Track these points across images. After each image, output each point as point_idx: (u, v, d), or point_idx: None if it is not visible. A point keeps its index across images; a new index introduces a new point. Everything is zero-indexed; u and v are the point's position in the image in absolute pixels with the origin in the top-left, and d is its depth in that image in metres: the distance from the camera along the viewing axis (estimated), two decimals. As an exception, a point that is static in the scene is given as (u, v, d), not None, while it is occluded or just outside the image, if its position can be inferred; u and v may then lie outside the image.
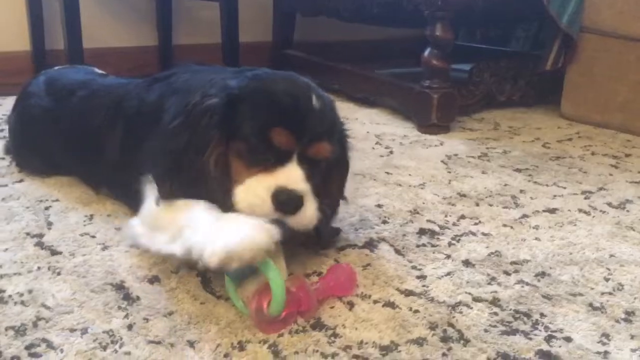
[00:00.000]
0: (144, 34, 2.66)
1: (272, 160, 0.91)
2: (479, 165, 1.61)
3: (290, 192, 0.89)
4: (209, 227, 0.86)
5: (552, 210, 1.31)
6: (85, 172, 1.31)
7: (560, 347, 0.84)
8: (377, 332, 0.85)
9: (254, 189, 0.89)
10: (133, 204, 1.08)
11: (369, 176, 1.49)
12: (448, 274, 1.02)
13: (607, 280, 1.02)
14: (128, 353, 0.79)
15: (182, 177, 0.94)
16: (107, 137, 1.18)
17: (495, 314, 0.91)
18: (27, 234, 1.11)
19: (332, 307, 0.91)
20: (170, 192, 0.94)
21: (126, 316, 0.87)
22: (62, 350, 0.79)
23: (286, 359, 0.79)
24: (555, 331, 0.87)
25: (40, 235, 1.10)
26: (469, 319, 0.89)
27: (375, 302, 0.93)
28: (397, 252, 1.10)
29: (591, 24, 2.01)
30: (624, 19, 1.94)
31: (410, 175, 1.52)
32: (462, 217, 1.26)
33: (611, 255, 1.11)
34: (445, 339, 0.84)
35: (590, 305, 0.94)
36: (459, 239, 1.16)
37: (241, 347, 0.81)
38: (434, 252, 1.10)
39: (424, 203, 1.33)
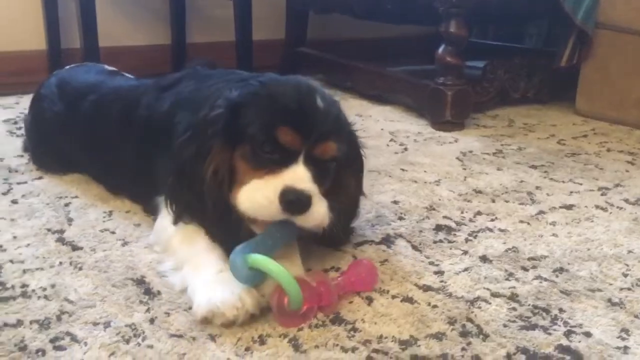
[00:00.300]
0: (157, 33, 2.67)
1: (279, 160, 0.90)
2: (494, 162, 1.61)
3: (298, 192, 0.87)
4: (203, 277, 0.89)
5: (569, 207, 1.31)
6: (101, 177, 1.32)
7: (579, 342, 0.84)
8: (396, 326, 0.86)
9: (261, 190, 0.89)
10: (150, 210, 1.12)
11: (384, 173, 1.49)
12: (465, 269, 1.03)
13: (625, 276, 1.02)
14: (151, 346, 0.80)
15: (185, 193, 0.96)
16: (121, 145, 1.20)
17: (514, 309, 0.91)
18: (48, 229, 1.12)
19: (350, 302, 0.91)
20: (177, 216, 0.98)
21: (147, 310, 0.88)
22: (86, 344, 0.80)
23: (307, 352, 0.79)
24: (574, 326, 0.87)
25: (61, 231, 1.12)
26: (487, 314, 0.90)
27: (393, 297, 0.93)
28: (414, 248, 1.10)
29: (606, 20, 2.00)
30: (640, 15, 1.93)
31: (425, 171, 1.52)
32: (479, 213, 1.26)
33: (629, 251, 1.11)
34: (464, 334, 0.84)
35: (609, 300, 0.94)
36: (476, 235, 1.16)
37: (262, 341, 0.81)
38: (451, 248, 1.10)
39: (439, 199, 1.33)
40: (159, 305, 0.89)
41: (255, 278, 0.85)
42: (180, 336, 0.82)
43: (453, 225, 1.20)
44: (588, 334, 0.85)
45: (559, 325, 0.87)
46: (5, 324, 0.83)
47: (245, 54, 2.47)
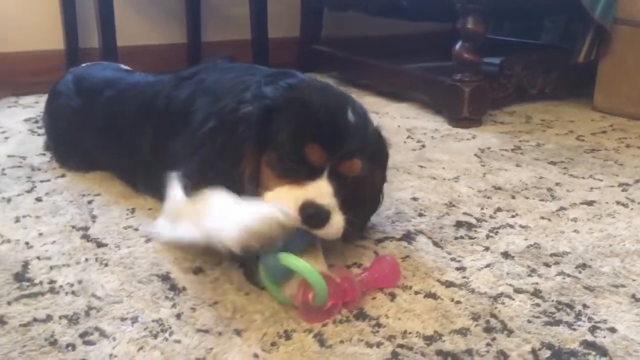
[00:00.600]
0: (173, 32, 2.69)
1: (303, 172, 0.91)
2: (512, 158, 1.60)
3: (317, 207, 0.89)
4: (226, 212, 0.86)
5: (590, 203, 1.30)
6: (121, 172, 1.33)
7: (604, 337, 0.83)
8: (420, 322, 0.86)
9: (283, 199, 0.89)
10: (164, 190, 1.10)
11: (402, 169, 1.50)
12: (488, 265, 1.03)
13: (649, 272, 1.02)
14: (178, 341, 0.81)
15: (212, 181, 0.94)
16: (138, 138, 1.20)
17: (538, 305, 0.91)
18: (73, 226, 1.14)
19: (374, 298, 0.92)
20: (195, 188, 0.95)
21: (174, 306, 0.89)
22: (114, 339, 0.81)
23: (332, 347, 0.80)
24: (599, 322, 0.87)
25: (86, 228, 1.13)
26: (511, 310, 0.90)
27: (416, 293, 0.94)
28: (435, 244, 1.11)
29: (625, 15, 1.99)
30: (659, 10, 1.91)
31: (443, 168, 1.52)
32: (499, 209, 1.26)
33: (652, 247, 1.10)
34: (488, 330, 0.85)
35: (633, 296, 0.94)
36: (497, 232, 1.16)
37: (287, 336, 0.82)
38: (472, 245, 1.10)
39: (459, 196, 1.33)
40: (184, 300, 0.90)
41: (286, 275, 0.86)
42: (207, 331, 0.83)
43: (473, 221, 1.20)
44: (613, 330, 0.85)
45: (584, 321, 0.87)
46: (35, 319, 0.85)
47: (261, 51, 2.48)
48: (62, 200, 1.26)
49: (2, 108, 2.01)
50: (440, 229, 1.16)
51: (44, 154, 1.54)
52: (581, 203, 1.30)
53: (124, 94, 1.29)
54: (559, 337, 0.83)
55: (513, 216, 1.23)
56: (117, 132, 1.27)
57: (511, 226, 1.18)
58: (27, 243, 1.07)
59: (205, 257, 1.02)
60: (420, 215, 1.23)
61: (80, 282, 0.95)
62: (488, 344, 0.81)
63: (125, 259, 1.02)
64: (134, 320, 0.85)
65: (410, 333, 0.83)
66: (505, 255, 1.07)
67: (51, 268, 0.99)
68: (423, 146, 1.71)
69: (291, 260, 0.84)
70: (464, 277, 0.99)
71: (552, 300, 0.92)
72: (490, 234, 1.14)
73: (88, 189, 1.32)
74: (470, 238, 1.13)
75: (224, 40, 2.75)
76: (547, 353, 0.80)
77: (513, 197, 1.33)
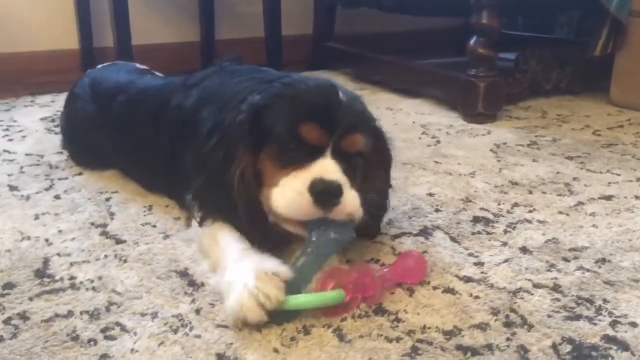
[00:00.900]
0: (187, 30, 2.70)
1: (305, 156, 0.90)
2: (529, 154, 1.59)
3: (327, 182, 0.87)
4: (228, 276, 0.86)
5: (608, 197, 1.29)
6: (135, 176, 1.34)
7: (626, 332, 0.83)
8: (439, 317, 0.86)
9: (290, 187, 0.88)
10: (185, 208, 1.12)
11: (417, 165, 1.49)
12: (506, 260, 1.02)
13: (670, 266, 1.01)
14: (198, 336, 0.81)
15: (214, 199, 0.96)
16: (152, 145, 1.21)
17: (557, 300, 0.91)
18: (92, 223, 1.15)
19: (392, 293, 0.92)
20: (203, 219, 0.98)
21: (193, 301, 0.89)
22: (135, 333, 0.81)
23: (352, 342, 0.80)
24: (619, 317, 0.86)
25: (104, 225, 1.14)
26: (530, 304, 0.89)
27: (434, 288, 0.93)
28: (453, 239, 1.10)
29: (641, 8, 1.97)
30: (677, 2, 1.89)
31: (459, 164, 1.51)
32: (516, 204, 1.26)
33: (672, 242, 1.09)
34: (508, 324, 0.84)
35: (654, 291, 0.93)
36: (514, 227, 1.15)
37: (306, 331, 0.82)
38: (489, 240, 1.10)
39: (475, 191, 1.33)
40: (203, 296, 0.91)
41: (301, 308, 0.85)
42: (226, 326, 0.83)
43: (490, 216, 1.20)
44: (634, 324, 0.84)
45: (604, 316, 0.87)
46: (57, 315, 0.85)
47: (274, 49, 2.49)
48: (80, 198, 1.27)
49: (19, 107, 2.03)
50: (457, 225, 1.16)
51: (61, 153, 1.55)
52: (599, 198, 1.29)
53: (135, 99, 1.31)
54: (579, 331, 0.83)
55: (530, 211, 1.22)
56: (130, 137, 1.28)
57: (529, 221, 1.18)
58: (46, 240, 1.08)
59: (223, 253, 1.02)
60: (437, 210, 1.23)
61: (100, 278, 0.95)
62: (508, 339, 0.81)
63: (144, 255, 1.03)
64: (154, 315, 0.86)
65: (429, 328, 0.83)
66: (524, 250, 1.06)
67: (71, 264, 0.99)
68: (438, 142, 1.70)
69: (293, 301, 0.82)
70: (482, 272, 0.98)
71: (572, 295, 0.92)
72: (508, 229, 1.14)
73: (105, 187, 1.33)
74: (488, 233, 1.13)
75: (237, 38, 2.76)
76: (568, 347, 0.80)
77: (530, 192, 1.32)
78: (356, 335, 0.82)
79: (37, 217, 1.17)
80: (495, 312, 0.87)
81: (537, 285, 0.94)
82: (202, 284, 0.94)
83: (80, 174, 1.41)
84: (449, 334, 0.82)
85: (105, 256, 1.02)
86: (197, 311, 0.87)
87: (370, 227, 1.04)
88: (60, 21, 2.45)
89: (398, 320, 0.85)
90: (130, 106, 1.30)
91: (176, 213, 1.19)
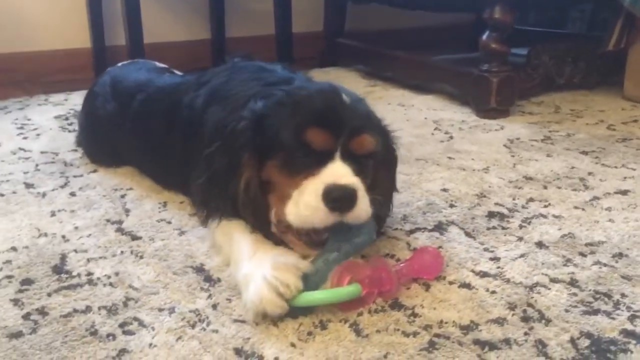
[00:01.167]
0: (197, 28, 2.71)
1: (314, 163, 0.88)
2: (543, 149, 1.58)
3: (341, 187, 0.85)
4: (244, 270, 0.87)
5: (624, 192, 1.28)
6: (152, 174, 1.35)
7: (645, 326, 0.82)
8: (456, 312, 0.86)
9: (304, 199, 0.86)
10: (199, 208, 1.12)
11: (431, 161, 1.49)
12: (522, 255, 1.02)
13: (688, 261, 1.00)
14: (216, 331, 0.81)
15: (215, 199, 0.97)
16: (167, 142, 1.22)
17: (575, 294, 0.90)
18: (107, 220, 1.15)
19: (408, 288, 0.91)
20: (207, 217, 1.00)
21: (209, 297, 0.90)
22: (153, 328, 0.82)
23: (369, 337, 0.80)
24: (637, 311, 0.86)
25: (120, 222, 1.15)
26: (548, 299, 0.89)
27: (450, 283, 0.93)
28: (468, 234, 1.10)
29: (656, 1, 1.94)
30: (692, -5, 1.87)
31: (473, 159, 1.51)
32: (531, 200, 1.25)
33: (690, 236, 1.08)
34: (525, 319, 0.84)
35: (673, 285, 0.92)
36: (530, 222, 1.15)
37: (323, 325, 0.82)
38: (505, 235, 1.10)
39: (490, 187, 1.32)
40: (219, 291, 0.91)
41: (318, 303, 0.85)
42: (243, 321, 0.83)
43: (505, 212, 1.19)
44: (653, 319, 0.84)
45: (622, 310, 0.86)
46: (75, 310, 0.86)
47: (285, 46, 2.48)
48: (96, 195, 1.28)
49: (32, 106, 2.04)
50: (472, 220, 1.16)
51: (75, 150, 1.56)
52: (615, 192, 1.28)
53: (152, 97, 1.32)
54: (597, 326, 0.83)
55: (546, 206, 1.22)
56: (147, 135, 1.29)
57: (544, 216, 1.17)
58: (63, 236, 1.09)
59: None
60: (451, 206, 1.22)
61: (117, 274, 0.96)
62: (526, 333, 0.81)
63: (160, 251, 1.03)
64: (171, 310, 0.86)
65: (446, 323, 0.83)
66: (540, 245, 1.05)
67: (88, 260, 1.00)
68: (451, 137, 1.69)
69: (310, 297, 0.82)
70: (498, 267, 0.98)
71: (589, 290, 0.91)
72: (523, 224, 1.13)
73: (120, 184, 1.33)
74: (503, 228, 1.12)
75: (247, 35, 2.76)
76: (587, 342, 0.79)
77: (545, 187, 1.32)
78: (373, 330, 0.82)
79: (53, 214, 1.18)
80: (512, 306, 0.87)
81: (554, 280, 0.94)
82: (219, 280, 0.94)
83: (95, 171, 1.42)
84: (466, 329, 0.82)
85: (122, 252, 1.03)
86: (214, 306, 0.87)
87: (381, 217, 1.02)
88: (72, 21, 2.46)
89: (415, 315, 0.85)
90: (148, 105, 1.31)
91: (190, 209, 1.19)
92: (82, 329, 0.82)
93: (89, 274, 0.96)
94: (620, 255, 1.02)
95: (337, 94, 0.94)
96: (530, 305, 0.87)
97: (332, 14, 2.74)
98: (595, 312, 0.86)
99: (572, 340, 0.79)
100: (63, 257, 1.01)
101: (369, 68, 2.54)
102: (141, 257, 1.01)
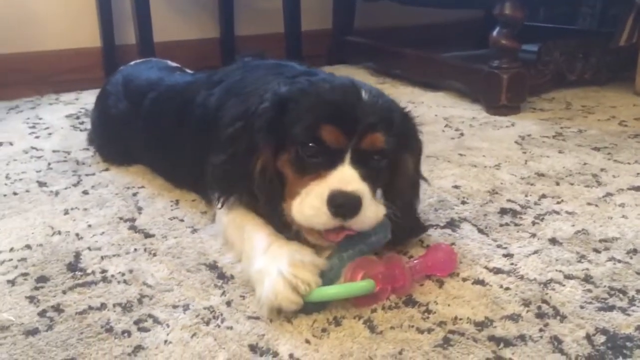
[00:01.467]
0: (206, 26, 2.71)
1: (324, 163, 0.87)
2: (554, 145, 1.58)
3: (345, 195, 0.84)
4: (258, 265, 0.87)
5: (637, 188, 1.27)
6: (163, 171, 1.35)
7: (661, 323, 0.82)
8: (470, 308, 0.86)
9: (308, 200, 0.86)
10: (210, 203, 1.12)
11: (442, 158, 1.49)
12: (535, 252, 1.01)
13: (703, 256, 0.99)
14: (230, 327, 0.82)
15: (234, 186, 0.97)
16: (179, 141, 1.22)
17: (589, 290, 0.90)
18: (120, 218, 1.16)
19: (422, 285, 0.91)
20: (224, 199, 0.99)
21: (223, 293, 0.90)
22: (168, 325, 0.82)
23: (383, 333, 0.80)
24: (654, 307, 0.85)
25: (133, 220, 1.15)
26: (562, 295, 0.88)
27: (464, 279, 0.93)
28: (480, 231, 1.09)
29: (668, -4, 1.93)
30: None
31: (484, 156, 1.50)
32: (543, 196, 1.24)
33: None
34: (540, 315, 0.84)
35: (688, 281, 0.92)
36: (543, 218, 1.14)
37: (337, 322, 0.82)
38: (518, 231, 1.09)
39: (501, 183, 1.32)
40: (233, 288, 0.91)
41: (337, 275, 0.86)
42: (257, 318, 0.84)
43: (518, 208, 1.19)
44: (669, 315, 0.83)
45: (638, 306, 0.86)
46: (90, 307, 0.87)
47: (294, 44, 2.48)
48: (108, 193, 1.28)
49: (43, 105, 2.05)
50: (484, 216, 1.15)
51: (87, 149, 1.57)
52: (628, 188, 1.28)
53: (164, 96, 1.32)
54: (613, 322, 0.82)
55: (558, 202, 1.21)
56: (159, 133, 1.30)
57: (557, 212, 1.16)
58: (77, 234, 1.09)
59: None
60: (463, 203, 1.22)
61: (131, 271, 0.96)
62: (541, 330, 0.81)
63: (173, 248, 1.04)
64: (186, 307, 0.86)
65: (460, 319, 0.83)
66: (553, 241, 1.05)
67: (102, 258, 1.01)
68: (461, 134, 1.69)
69: (324, 292, 0.83)
70: (511, 264, 0.98)
71: (604, 286, 0.91)
72: (536, 221, 1.13)
73: (132, 182, 1.34)
74: (516, 225, 1.12)
75: (256, 34, 2.76)
76: (602, 338, 0.79)
77: (557, 184, 1.31)
78: (387, 327, 0.82)
79: (66, 212, 1.18)
80: (526, 303, 0.87)
81: (568, 277, 0.94)
82: (232, 277, 0.94)
83: (106, 169, 1.43)
84: (480, 325, 0.82)
85: (135, 250, 1.03)
86: (228, 303, 0.87)
87: (408, 222, 1.00)
88: (82, 20, 2.47)
89: (429, 311, 0.85)
90: (160, 103, 1.31)
91: (202, 207, 1.20)
92: (97, 325, 0.82)
93: (103, 271, 0.97)
94: (634, 251, 1.01)
95: (357, 91, 0.92)
96: (544, 301, 0.87)
97: (341, 12, 2.74)
98: (611, 308, 0.85)
99: (588, 337, 0.79)
100: (77, 255, 1.02)
101: (378, 65, 2.53)
102: (154, 255, 1.02)
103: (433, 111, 1.94)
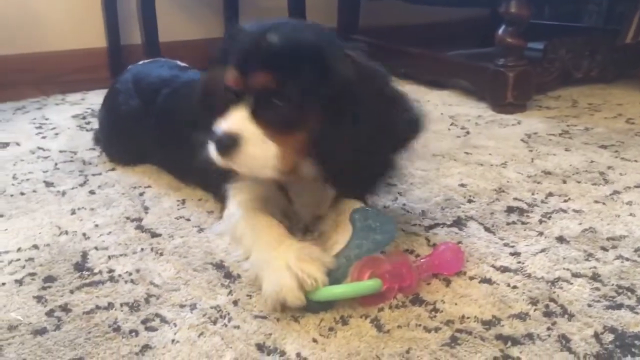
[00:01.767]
0: (211, 26, 2.71)
1: (230, 104, 0.90)
2: (561, 143, 1.57)
3: (222, 133, 0.88)
4: (265, 258, 0.88)
5: (645, 186, 1.27)
6: (174, 169, 1.35)
7: (670, 321, 0.81)
8: (478, 307, 0.85)
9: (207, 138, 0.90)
10: (220, 199, 1.12)
11: (448, 156, 1.48)
12: (542, 250, 1.01)
13: None
14: (237, 327, 0.82)
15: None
16: (192, 136, 1.22)
17: (597, 289, 0.89)
18: (127, 218, 1.16)
19: (428, 284, 0.91)
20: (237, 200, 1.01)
21: (230, 293, 0.90)
22: (175, 325, 0.82)
23: (390, 332, 0.80)
24: (662, 306, 0.85)
25: (139, 219, 1.15)
26: (570, 294, 0.88)
27: (471, 278, 0.93)
28: (487, 230, 1.09)
29: (675, -8, 1.92)
30: None
31: (490, 154, 1.50)
32: (550, 194, 1.24)
33: None
34: (548, 314, 0.83)
35: (697, 280, 0.91)
36: (550, 216, 1.14)
37: (344, 321, 0.82)
38: (525, 230, 1.09)
39: (508, 181, 1.32)
40: (240, 288, 0.91)
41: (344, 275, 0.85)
42: (265, 317, 0.84)
43: (525, 206, 1.18)
44: (678, 314, 0.83)
45: (646, 305, 0.85)
46: (98, 307, 0.87)
47: (299, 43, 2.48)
48: (115, 193, 1.28)
49: (50, 105, 2.06)
50: (491, 215, 1.15)
51: (93, 149, 1.57)
52: (635, 186, 1.27)
53: (179, 91, 1.32)
54: (621, 320, 0.82)
55: (566, 201, 1.21)
56: (171, 129, 1.29)
57: (564, 211, 1.16)
58: (84, 234, 1.09)
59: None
60: (470, 201, 1.22)
61: (138, 270, 0.97)
62: (549, 328, 0.80)
63: (180, 248, 1.04)
64: (193, 307, 0.86)
65: (468, 318, 0.83)
66: (560, 239, 1.05)
67: (109, 258, 1.01)
68: (467, 133, 1.68)
69: (330, 291, 0.83)
70: (519, 262, 0.97)
71: (612, 284, 0.90)
72: (543, 219, 1.13)
73: (138, 182, 1.34)
74: (523, 223, 1.11)
75: (261, 33, 2.76)
76: (610, 337, 0.79)
77: (564, 182, 1.30)
78: (394, 326, 0.81)
79: (73, 212, 1.19)
80: (534, 301, 0.86)
81: (576, 275, 0.93)
82: (239, 276, 0.94)
83: (113, 169, 1.43)
84: (488, 324, 0.81)
85: (142, 249, 1.04)
86: (235, 302, 0.87)
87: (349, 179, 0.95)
88: (87, 20, 2.48)
89: (436, 310, 0.85)
90: (174, 99, 1.31)
91: (209, 206, 1.20)
92: (105, 325, 0.83)
93: (110, 271, 0.97)
94: (642, 249, 1.01)
95: (271, 31, 0.89)
96: (552, 300, 0.87)
97: (346, 10, 2.74)
98: (619, 306, 0.85)
99: (596, 335, 0.79)
100: (84, 255, 1.02)
101: (384, 64, 2.52)
102: (161, 254, 1.02)
103: (439, 110, 1.93)
